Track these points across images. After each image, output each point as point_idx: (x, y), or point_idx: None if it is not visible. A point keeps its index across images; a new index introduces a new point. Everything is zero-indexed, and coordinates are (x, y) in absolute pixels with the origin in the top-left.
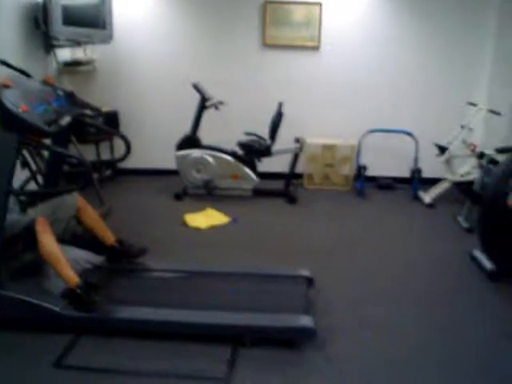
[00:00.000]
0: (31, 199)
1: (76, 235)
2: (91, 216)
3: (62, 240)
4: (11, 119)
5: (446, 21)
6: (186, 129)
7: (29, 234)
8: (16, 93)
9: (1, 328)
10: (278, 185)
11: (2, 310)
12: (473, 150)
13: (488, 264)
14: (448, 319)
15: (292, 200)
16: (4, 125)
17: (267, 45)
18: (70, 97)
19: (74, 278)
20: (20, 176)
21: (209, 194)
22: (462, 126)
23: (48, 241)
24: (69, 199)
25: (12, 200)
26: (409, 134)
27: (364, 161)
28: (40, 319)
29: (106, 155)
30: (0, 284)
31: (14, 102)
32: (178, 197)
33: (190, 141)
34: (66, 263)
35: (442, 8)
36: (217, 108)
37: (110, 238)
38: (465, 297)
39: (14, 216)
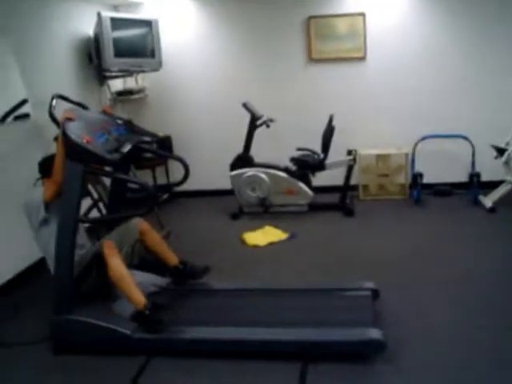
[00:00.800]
0: (98, 227)
1: (144, 258)
2: (154, 238)
3: (131, 264)
4: (76, 150)
5: (497, 20)
6: (238, 149)
7: (99, 259)
8: (78, 125)
9: (75, 352)
10: (334, 198)
11: (76, 334)
12: None
13: None
14: None
15: (349, 212)
16: (69, 156)
17: (314, 59)
18: (129, 125)
19: (142, 300)
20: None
21: (265, 212)
22: None
23: (116, 264)
24: (132, 224)
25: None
26: (464, 137)
27: (419, 168)
28: (112, 342)
29: (161, 179)
30: (73, 310)
31: (78, 133)
32: (235, 216)
33: (243, 160)
34: (135, 285)
35: (491, 8)
36: (268, 126)
37: (173, 259)
38: None
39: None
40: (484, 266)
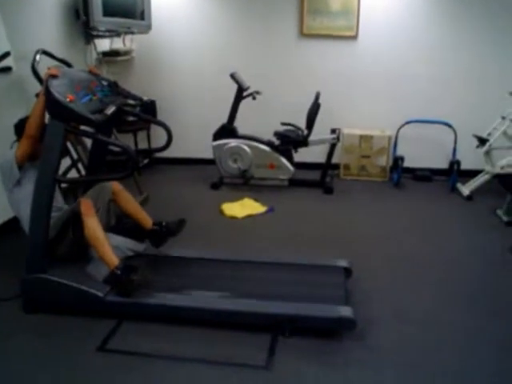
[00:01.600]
0: (75, 188)
1: (120, 218)
2: (127, 199)
3: (108, 225)
4: (58, 109)
5: (488, 8)
6: (223, 119)
7: (75, 218)
8: (63, 83)
9: (47, 312)
10: (315, 175)
11: (48, 294)
12: None
13: None
14: (487, 311)
15: (328, 190)
16: (51, 114)
17: (305, 34)
18: (114, 86)
19: (115, 260)
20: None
21: (245, 184)
22: (503, 117)
23: (92, 223)
24: (106, 185)
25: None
26: (448, 124)
27: (401, 152)
28: (84, 304)
29: (143, 144)
30: (46, 269)
31: (62, 91)
32: (215, 186)
33: (227, 130)
34: (109, 246)
35: None
36: (254, 98)
37: (148, 221)
38: (505, 290)
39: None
40: (456, 250)
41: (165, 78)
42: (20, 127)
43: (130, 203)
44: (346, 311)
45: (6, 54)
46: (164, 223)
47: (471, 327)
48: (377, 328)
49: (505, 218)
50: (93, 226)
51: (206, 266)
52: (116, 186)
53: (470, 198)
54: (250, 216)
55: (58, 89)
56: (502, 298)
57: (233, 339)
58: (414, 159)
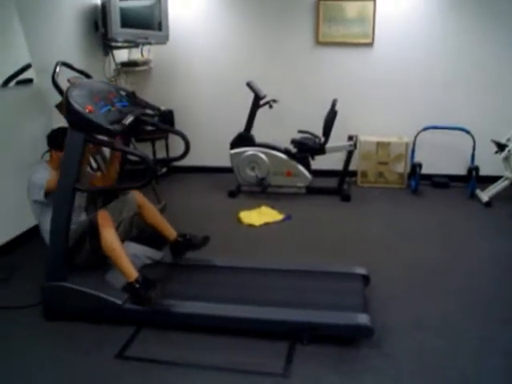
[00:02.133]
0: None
1: (143, 231)
2: (152, 212)
3: (130, 236)
4: (78, 119)
5: (506, 13)
6: (240, 127)
7: (92, 229)
8: (82, 93)
9: (67, 319)
10: (332, 182)
11: (68, 301)
12: None
13: None
14: (505, 321)
15: (346, 198)
16: (71, 124)
17: (321, 42)
18: (132, 97)
19: (133, 273)
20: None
21: (262, 192)
22: None
23: (109, 235)
24: (130, 197)
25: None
26: (466, 130)
27: (419, 158)
28: (103, 311)
29: (161, 153)
30: (66, 277)
31: (81, 102)
32: (233, 194)
33: (244, 139)
34: (126, 258)
35: (502, 1)
36: (271, 106)
37: (172, 232)
38: None
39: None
40: (476, 258)
41: (182, 88)
42: (52, 138)
43: (155, 215)
44: (363, 319)
45: (27, 66)
46: (188, 236)
47: (486, 335)
48: (394, 335)
49: None
50: (109, 237)
51: (224, 274)
52: (141, 198)
53: (488, 204)
54: (267, 224)
55: (77, 99)
56: None
57: (251, 347)
58: (431, 166)
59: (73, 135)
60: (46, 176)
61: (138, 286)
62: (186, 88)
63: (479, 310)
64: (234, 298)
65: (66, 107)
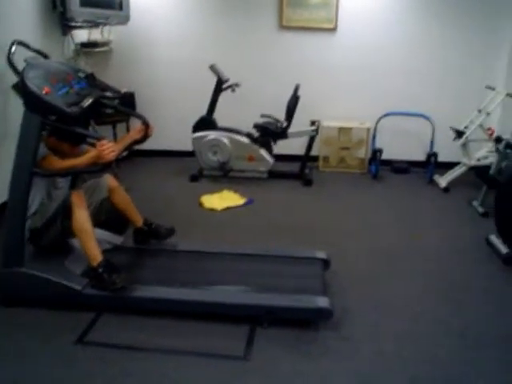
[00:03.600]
0: None
1: (110, 215)
2: (122, 196)
3: (98, 221)
4: (35, 101)
5: (469, 4)
6: (202, 111)
7: (65, 208)
8: (38, 74)
9: (25, 305)
10: (294, 167)
11: (26, 288)
12: (490, 135)
13: (503, 248)
14: (461, 303)
15: (307, 182)
16: (27, 106)
17: (284, 27)
18: (91, 78)
19: (98, 257)
20: None
21: (224, 176)
22: (480, 110)
23: (82, 215)
24: (102, 181)
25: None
26: (425, 117)
27: (380, 144)
28: (62, 297)
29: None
30: (23, 263)
31: (37, 83)
32: (194, 178)
33: (206, 123)
34: (95, 241)
35: None
36: (233, 90)
37: (138, 219)
38: (478, 280)
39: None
40: (433, 241)
41: (144, 70)
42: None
43: (124, 200)
44: (322, 302)
45: None
46: (154, 225)
47: (443, 317)
48: (353, 319)
49: (480, 210)
50: (82, 218)
51: (184, 258)
52: (113, 182)
53: (446, 189)
54: (229, 208)
55: (33, 80)
56: (477, 288)
57: (212, 331)
58: (392, 151)
59: (28, 118)
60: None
61: (101, 270)
62: (147, 70)
63: (437, 293)
64: (194, 282)
65: (21, 88)
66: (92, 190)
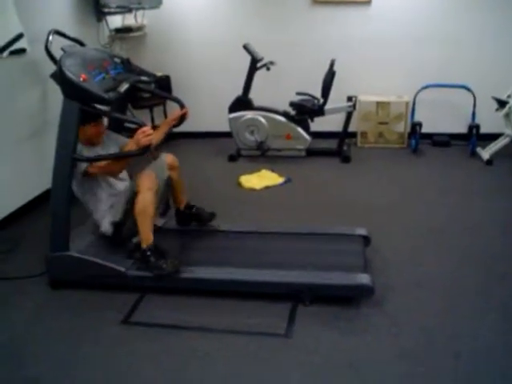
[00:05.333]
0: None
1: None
2: (178, 175)
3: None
4: (73, 88)
5: None
6: (238, 91)
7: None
8: (75, 62)
9: (72, 287)
10: (332, 144)
11: (72, 270)
12: None
13: None
14: (503, 277)
15: (346, 159)
16: (66, 93)
17: (317, 1)
18: (126, 64)
19: (150, 240)
20: None
21: (262, 155)
22: None
23: (148, 198)
24: (161, 161)
25: None
26: (466, 88)
27: (419, 117)
28: (107, 279)
29: (159, 120)
30: (69, 247)
31: (74, 71)
32: (233, 158)
33: (243, 103)
34: (152, 224)
35: None
36: (268, 69)
37: (183, 201)
38: None
39: None
40: (477, 216)
41: (178, 53)
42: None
43: (179, 178)
44: (364, 279)
45: (20, 36)
46: (195, 209)
47: (485, 292)
48: (395, 295)
49: None
50: (147, 200)
51: (225, 238)
52: (170, 158)
53: (489, 162)
54: (267, 187)
55: (70, 68)
56: None
57: (254, 309)
58: (432, 124)
59: (67, 105)
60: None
61: (149, 253)
62: (182, 53)
63: (479, 268)
64: (236, 261)
65: (59, 77)
66: (155, 172)
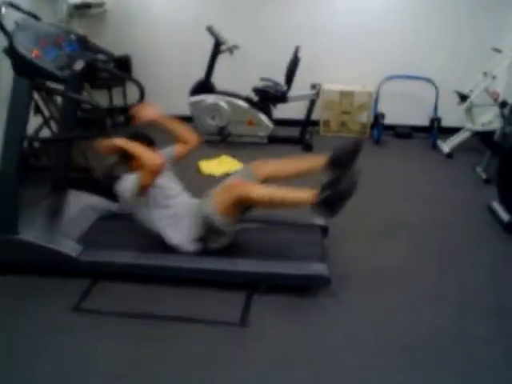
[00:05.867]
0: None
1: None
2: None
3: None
4: (24, 64)
5: None
6: (200, 74)
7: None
8: (28, 37)
9: (21, 273)
10: (294, 132)
11: (22, 255)
12: (495, 99)
13: (505, 216)
14: (462, 269)
15: (308, 147)
16: (17, 70)
17: None
18: (83, 41)
19: (308, 194)
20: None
21: (223, 141)
22: (485, 74)
23: (256, 189)
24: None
25: None
26: (429, 80)
27: (382, 108)
28: (58, 265)
29: (118, 101)
30: (18, 231)
31: (27, 46)
32: None
33: (204, 86)
34: (287, 190)
35: None
36: (231, 52)
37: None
38: (480, 247)
39: None
40: (435, 207)
41: (140, 33)
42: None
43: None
44: (320, 269)
45: None
46: None
47: (442, 285)
48: (352, 286)
49: (484, 176)
50: (259, 190)
51: None
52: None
53: (450, 155)
54: (227, 174)
55: (22, 43)
56: (474, 254)
57: (208, 298)
58: (394, 116)
59: (18, 82)
60: (126, 186)
61: (321, 198)
62: (144, 33)
63: (437, 260)
64: None
65: (9, 51)
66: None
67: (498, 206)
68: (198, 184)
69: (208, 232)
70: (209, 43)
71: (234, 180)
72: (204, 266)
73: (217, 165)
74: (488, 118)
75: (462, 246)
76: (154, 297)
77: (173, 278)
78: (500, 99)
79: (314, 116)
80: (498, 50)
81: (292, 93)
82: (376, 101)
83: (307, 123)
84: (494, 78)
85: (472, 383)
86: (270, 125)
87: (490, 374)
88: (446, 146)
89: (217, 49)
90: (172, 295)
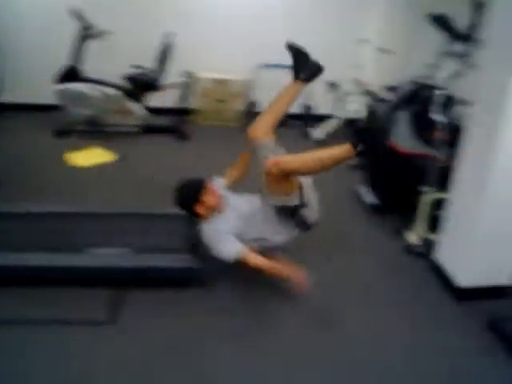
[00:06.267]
0: None
1: None
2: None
3: None
4: None
5: None
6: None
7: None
8: None
9: None
10: (169, 121)
11: None
12: (363, 88)
13: (370, 198)
14: (330, 253)
15: (183, 136)
16: None
17: None
18: None
19: (347, 146)
20: None
21: (94, 131)
22: (354, 64)
23: (292, 160)
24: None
25: None
26: None
27: (257, 97)
28: None
29: None
30: None
31: None
32: (61, 134)
33: (71, 73)
34: (325, 151)
35: None
36: (99, 37)
37: None
38: (347, 226)
39: None
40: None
41: (6, 14)
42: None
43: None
44: (191, 261)
45: None
46: None
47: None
48: (225, 279)
49: (351, 162)
50: (298, 157)
51: (46, 221)
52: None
53: (321, 142)
54: (99, 165)
55: None
56: (343, 233)
57: (75, 297)
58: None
59: None
60: (232, 248)
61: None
62: (10, 15)
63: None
64: (55, 246)
65: None
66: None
67: (363, 190)
68: (66, 177)
69: (294, 215)
70: (74, 27)
71: (270, 161)
72: (69, 263)
73: (86, 156)
74: (356, 107)
75: (334, 224)
76: (15, 299)
77: (36, 278)
78: (367, 88)
79: (190, 105)
80: (364, 41)
81: (165, 80)
82: (251, 89)
83: (182, 112)
84: (361, 67)
85: None
86: (143, 113)
87: None
88: (318, 133)
89: (83, 33)
90: (36, 297)
